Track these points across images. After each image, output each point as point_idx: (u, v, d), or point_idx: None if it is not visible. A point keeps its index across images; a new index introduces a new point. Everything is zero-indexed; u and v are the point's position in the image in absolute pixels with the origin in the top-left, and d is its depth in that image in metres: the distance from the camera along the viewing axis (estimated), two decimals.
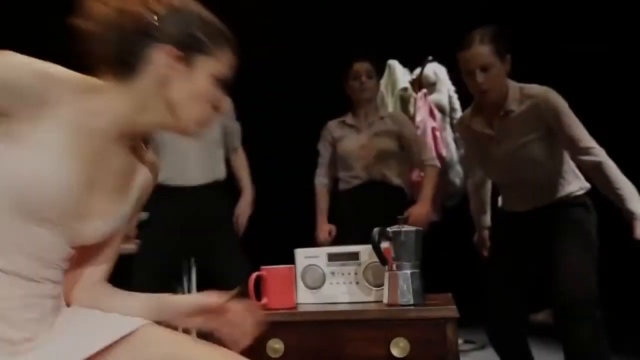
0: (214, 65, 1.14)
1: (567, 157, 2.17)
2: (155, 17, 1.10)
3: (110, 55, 1.10)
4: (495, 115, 2.19)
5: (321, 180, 2.98)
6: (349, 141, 2.92)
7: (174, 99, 1.11)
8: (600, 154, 2.05)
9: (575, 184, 2.18)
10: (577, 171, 2.20)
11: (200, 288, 4.28)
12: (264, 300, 1.53)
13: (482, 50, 2.11)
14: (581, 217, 2.14)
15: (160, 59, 1.10)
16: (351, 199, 2.88)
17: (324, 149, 2.98)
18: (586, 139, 2.07)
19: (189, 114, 1.13)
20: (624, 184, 2.01)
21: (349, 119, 2.96)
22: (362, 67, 2.89)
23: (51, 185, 1.04)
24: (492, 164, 2.23)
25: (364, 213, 2.73)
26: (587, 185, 2.20)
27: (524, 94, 2.15)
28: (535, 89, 2.15)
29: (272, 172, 2.46)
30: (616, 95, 4.04)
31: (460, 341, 3.35)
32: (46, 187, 1.04)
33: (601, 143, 2.07)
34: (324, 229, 2.90)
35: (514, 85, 2.18)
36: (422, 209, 2.72)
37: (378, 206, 2.72)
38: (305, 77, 3.89)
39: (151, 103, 1.11)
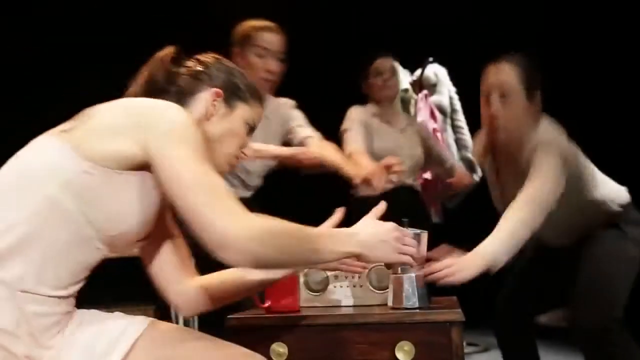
0: (249, 112, 1.31)
1: (589, 183, 1.95)
2: (203, 65, 1.30)
3: (168, 91, 1.27)
4: (504, 165, 1.94)
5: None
6: (386, 141, 2.80)
7: (211, 133, 1.25)
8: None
9: (604, 209, 1.98)
10: (607, 193, 1.99)
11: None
12: (267, 304, 1.52)
13: (507, 70, 1.85)
14: (614, 241, 1.97)
15: (207, 97, 1.27)
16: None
17: (361, 132, 2.68)
18: None
19: (221, 149, 1.27)
20: None
21: (377, 112, 2.85)
22: (384, 64, 2.85)
23: (151, 212, 1.17)
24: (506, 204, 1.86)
25: (392, 219, 2.65)
26: (619, 204, 2.01)
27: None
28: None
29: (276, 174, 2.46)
30: (616, 95, 4.05)
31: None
32: (149, 214, 1.16)
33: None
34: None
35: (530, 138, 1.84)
36: None
37: (406, 212, 2.65)
38: (305, 78, 3.89)
39: None
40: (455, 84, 3.72)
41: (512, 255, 1.67)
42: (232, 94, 1.30)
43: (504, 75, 1.86)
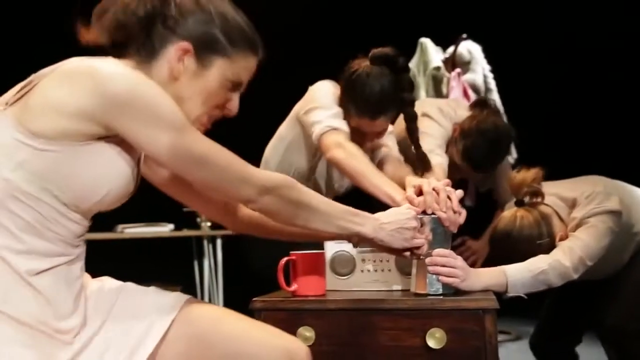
0: (230, 68, 1.17)
1: (632, 221, 1.99)
2: (176, 10, 1.14)
3: (132, 36, 1.15)
4: None
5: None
6: None
7: (179, 94, 1.14)
8: None
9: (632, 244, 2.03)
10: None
11: (225, 261, 4.34)
12: (294, 287, 1.51)
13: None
14: None
15: (173, 53, 1.14)
16: None
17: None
18: None
19: (189, 110, 1.16)
20: None
21: None
22: None
23: (126, 183, 1.12)
24: None
25: None
26: None
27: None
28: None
29: None
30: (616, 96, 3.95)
31: None
32: (123, 182, 1.11)
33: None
34: None
35: (571, 218, 1.92)
36: None
37: None
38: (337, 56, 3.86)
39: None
40: (489, 61, 3.64)
41: (531, 292, 1.71)
42: (205, 47, 1.15)
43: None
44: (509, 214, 1.98)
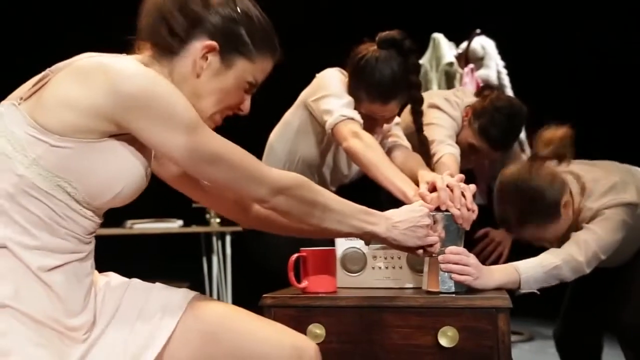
0: (250, 69, 1.18)
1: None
2: (204, 5, 1.14)
3: (155, 33, 1.16)
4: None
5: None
6: None
7: (198, 91, 1.15)
8: None
9: None
10: None
11: (234, 257, 4.35)
12: (304, 284, 1.51)
13: (522, 232, 1.89)
14: None
15: (198, 49, 1.14)
16: None
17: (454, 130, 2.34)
18: None
19: (205, 108, 1.17)
20: None
21: None
22: None
23: (140, 180, 1.13)
24: None
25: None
26: None
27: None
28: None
29: None
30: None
31: None
32: (136, 180, 1.12)
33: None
34: None
35: (592, 183, 1.89)
36: None
37: None
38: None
39: (181, 88, 1.13)
40: (503, 57, 3.61)
41: (543, 287, 1.69)
42: (230, 47, 1.16)
43: (524, 237, 1.88)
44: (522, 162, 1.94)
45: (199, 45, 1.15)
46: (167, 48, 1.16)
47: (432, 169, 2.05)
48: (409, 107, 2.06)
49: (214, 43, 1.15)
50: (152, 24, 1.16)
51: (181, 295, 1.20)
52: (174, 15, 1.15)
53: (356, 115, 1.89)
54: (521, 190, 1.85)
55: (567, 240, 1.82)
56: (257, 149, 2.14)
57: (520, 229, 1.88)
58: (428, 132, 2.10)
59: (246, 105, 1.24)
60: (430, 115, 2.09)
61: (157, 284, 1.23)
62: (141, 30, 1.17)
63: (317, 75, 2.05)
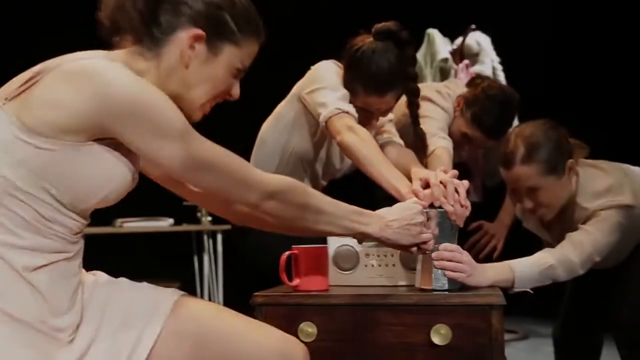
0: (238, 54, 1.17)
1: None
2: None
3: (137, 24, 1.14)
4: (554, 224, 1.95)
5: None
6: None
7: (187, 81, 1.15)
8: None
9: None
10: None
11: (225, 256, 4.35)
12: (296, 282, 1.52)
13: (525, 171, 1.84)
14: None
15: (185, 39, 1.13)
16: None
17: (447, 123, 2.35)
18: None
19: (196, 98, 1.16)
20: None
21: None
22: None
23: (126, 184, 1.13)
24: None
25: None
26: None
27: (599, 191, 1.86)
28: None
29: None
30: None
31: None
32: (123, 185, 1.12)
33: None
34: None
35: (584, 186, 1.89)
36: None
37: None
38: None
39: (169, 80, 1.14)
40: (498, 53, 3.63)
41: (537, 286, 1.71)
42: (216, 33, 1.15)
43: (523, 175, 1.85)
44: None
45: (184, 34, 1.14)
46: (151, 41, 1.14)
47: (425, 162, 2.06)
48: (399, 101, 2.06)
49: (200, 31, 1.14)
50: (133, 17, 1.14)
51: (168, 295, 1.20)
52: (155, 6, 1.13)
53: (351, 108, 1.90)
54: (536, 130, 1.87)
55: (562, 240, 1.83)
56: (252, 143, 2.15)
57: (523, 167, 1.83)
58: (420, 124, 2.11)
59: (236, 91, 1.23)
60: (422, 108, 2.10)
61: (144, 283, 1.22)
62: (121, 24, 1.16)
63: (312, 67, 2.05)
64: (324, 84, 1.94)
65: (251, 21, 1.19)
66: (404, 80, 1.96)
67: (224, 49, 1.16)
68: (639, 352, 1.96)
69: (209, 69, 1.16)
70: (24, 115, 1.04)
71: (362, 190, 1.97)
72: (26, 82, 1.07)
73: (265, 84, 2.78)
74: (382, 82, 1.93)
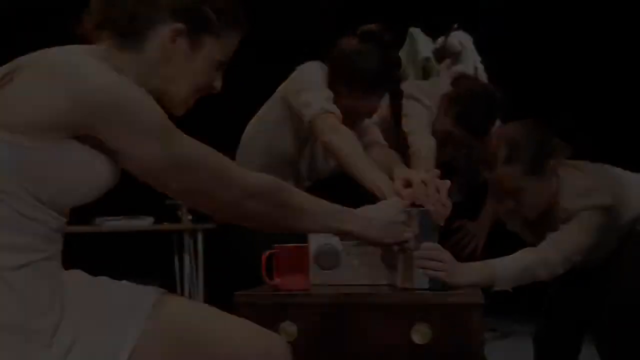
0: (219, 48, 1.17)
1: (623, 209, 1.96)
2: None
3: (115, 21, 1.12)
4: (537, 225, 1.96)
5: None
6: None
7: (170, 76, 1.14)
8: None
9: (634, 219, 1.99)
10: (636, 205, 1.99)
11: (206, 255, 4.34)
12: (277, 281, 1.52)
13: (507, 172, 1.84)
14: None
15: (166, 35, 1.12)
16: None
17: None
18: None
19: (179, 92, 1.16)
20: None
21: None
22: None
23: (106, 182, 1.12)
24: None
25: None
26: None
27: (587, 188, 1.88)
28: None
29: None
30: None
31: None
32: (103, 182, 1.11)
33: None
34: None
35: (566, 187, 1.89)
36: None
37: None
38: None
39: (150, 75, 1.13)
40: (480, 53, 3.66)
41: (517, 285, 1.73)
42: (197, 27, 1.14)
43: (504, 177, 1.86)
44: None
45: (165, 29, 1.13)
46: (130, 36, 1.13)
47: (408, 162, 2.08)
48: (383, 102, 2.08)
49: (181, 25, 1.13)
50: (110, 12, 1.13)
51: (148, 294, 1.19)
52: (133, 1, 1.13)
53: (336, 109, 1.91)
54: (518, 131, 1.90)
55: (542, 240, 1.86)
56: (237, 143, 2.15)
57: (505, 167, 1.85)
58: (403, 123, 2.13)
59: (218, 84, 1.23)
60: (405, 106, 2.12)
61: (125, 282, 1.22)
62: (98, 19, 1.14)
63: (297, 68, 2.06)
64: (309, 85, 1.96)
65: (232, 12, 1.19)
66: (388, 82, 1.98)
67: (205, 42, 1.16)
68: (619, 352, 1.99)
69: (190, 63, 1.15)
70: (1, 113, 1.03)
71: (346, 190, 1.98)
72: (2, 78, 1.06)
73: (250, 83, 2.78)
74: (367, 83, 1.94)
